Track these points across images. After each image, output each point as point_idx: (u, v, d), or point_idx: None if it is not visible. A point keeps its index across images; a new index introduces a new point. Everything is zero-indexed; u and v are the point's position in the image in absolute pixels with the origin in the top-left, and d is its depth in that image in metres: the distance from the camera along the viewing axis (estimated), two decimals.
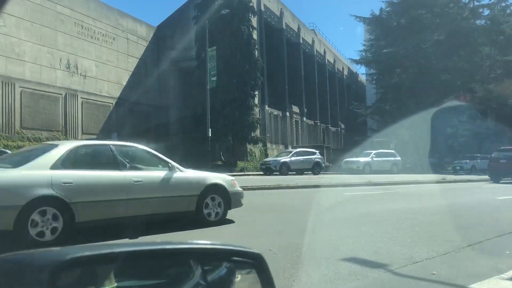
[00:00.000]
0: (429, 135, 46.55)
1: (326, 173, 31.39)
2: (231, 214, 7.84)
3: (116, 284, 0.95)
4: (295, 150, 30.19)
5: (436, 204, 11.03)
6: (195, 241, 1.12)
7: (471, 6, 44.89)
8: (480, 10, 44.97)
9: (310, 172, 29.70)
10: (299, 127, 49.23)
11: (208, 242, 1.14)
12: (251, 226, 7.56)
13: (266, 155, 38.71)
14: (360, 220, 8.12)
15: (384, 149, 34.97)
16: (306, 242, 5.84)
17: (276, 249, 5.35)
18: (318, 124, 55.49)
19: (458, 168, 38.73)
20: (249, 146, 36.00)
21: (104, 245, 0.98)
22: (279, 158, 29.17)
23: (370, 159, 31.71)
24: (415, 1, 44.76)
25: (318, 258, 4.95)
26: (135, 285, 1.03)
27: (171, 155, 28.03)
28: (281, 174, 27.94)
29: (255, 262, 1.14)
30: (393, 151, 34.53)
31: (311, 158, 29.87)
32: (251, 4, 34.13)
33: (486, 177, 24.17)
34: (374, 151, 32.59)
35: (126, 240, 5.54)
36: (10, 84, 26.36)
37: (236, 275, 1.14)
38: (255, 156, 37.20)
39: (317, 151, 31.21)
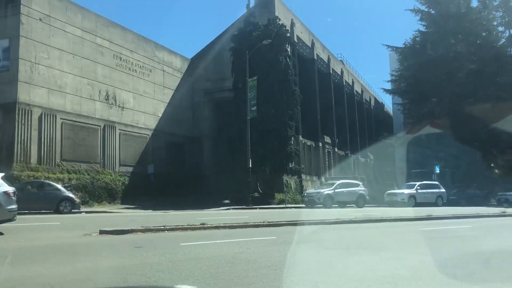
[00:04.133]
0: (466, 166, 45.19)
1: (369, 206, 30.19)
2: None
3: None
4: (338, 182, 29.15)
5: None
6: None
7: (507, 34, 44.12)
8: None
9: (354, 205, 28.61)
10: (331, 158, 48.29)
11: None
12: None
13: (302, 187, 37.77)
14: None
15: (427, 181, 33.67)
16: None
17: None
18: (349, 154, 54.46)
19: (503, 200, 37.04)
20: (285, 178, 35.14)
21: None
22: (322, 190, 28.18)
23: (415, 191, 30.53)
24: (448, 30, 44.27)
25: None
26: None
27: (205, 186, 27.53)
28: (325, 207, 26.92)
29: None
30: (437, 182, 33.26)
31: (355, 190, 28.83)
32: (288, 35, 33.95)
33: None
34: (418, 183, 31.40)
35: None
36: (52, 116, 26.31)
37: None
38: (291, 187, 36.26)
39: (361, 183, 30.16)
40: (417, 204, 29.72)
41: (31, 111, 25.20)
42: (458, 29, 44.57)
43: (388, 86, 54.96)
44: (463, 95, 43.25)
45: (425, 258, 7.55)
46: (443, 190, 32.18)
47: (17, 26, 25.12)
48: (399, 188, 33.74)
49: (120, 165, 30.90)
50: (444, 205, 30.94)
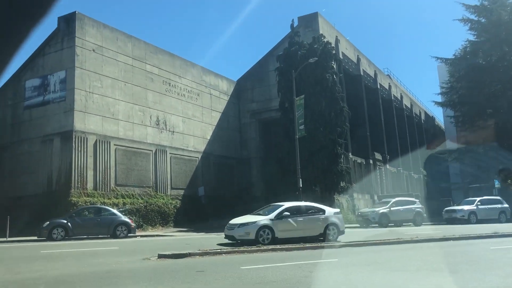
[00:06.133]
0: None
1: (426, 224, 28.86)
2: None
3: None
4: (393, 200, 28.14)
5: None
6: None
7: None
8: None
9: (411, 223, 27.46)
10: (383, 175, 46.91)
11: None
12: None
13: (354, 206, 36.79)
14: None
15: (486, 196, 31.92)
16: None
17: None
18: (401, 171, 52.77)
19: None
20: (337, 197, 34.34)
21: None
22: (377, 209, 27.26)
23: (475, 207, 29.01)
24: (501, 38, 42.45)
25: None
26: None
27: (255, 207, 26.87)
28: (380, 226, 26.01)
29: None
30: (499, 197, 31.45)
31: (412, 207, 27.69)
32: (333, 52, 33.63)
33: None
34: (478, 198, 29.83)
35: None
36: (106, 143, 27.07)
37: None
38: (342, 207, 35.37)
39: (417, 200, 29.00)
40: (478, 221, 28.24)
41: (87, 138, 26.07)
42: None
43: (439, 98, 53.23)
44: None
45: (509, 280, 6.94)
46: (506, 205, 30.37)
47: (72, 58, 26.27)
48: (456, 204, 32.20)
49: (172, 188, 31.27)
50: (508, 221, 29.15)
